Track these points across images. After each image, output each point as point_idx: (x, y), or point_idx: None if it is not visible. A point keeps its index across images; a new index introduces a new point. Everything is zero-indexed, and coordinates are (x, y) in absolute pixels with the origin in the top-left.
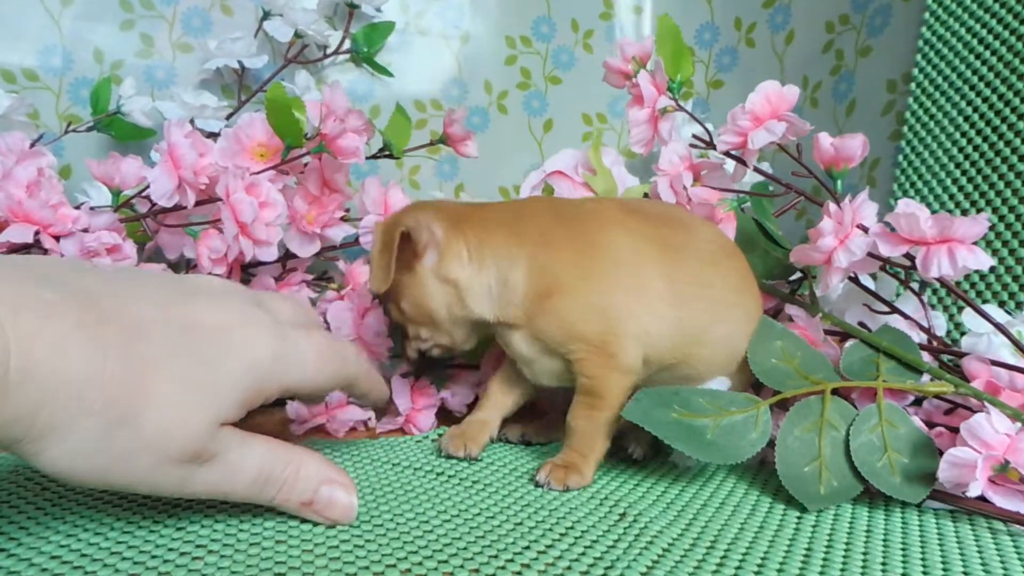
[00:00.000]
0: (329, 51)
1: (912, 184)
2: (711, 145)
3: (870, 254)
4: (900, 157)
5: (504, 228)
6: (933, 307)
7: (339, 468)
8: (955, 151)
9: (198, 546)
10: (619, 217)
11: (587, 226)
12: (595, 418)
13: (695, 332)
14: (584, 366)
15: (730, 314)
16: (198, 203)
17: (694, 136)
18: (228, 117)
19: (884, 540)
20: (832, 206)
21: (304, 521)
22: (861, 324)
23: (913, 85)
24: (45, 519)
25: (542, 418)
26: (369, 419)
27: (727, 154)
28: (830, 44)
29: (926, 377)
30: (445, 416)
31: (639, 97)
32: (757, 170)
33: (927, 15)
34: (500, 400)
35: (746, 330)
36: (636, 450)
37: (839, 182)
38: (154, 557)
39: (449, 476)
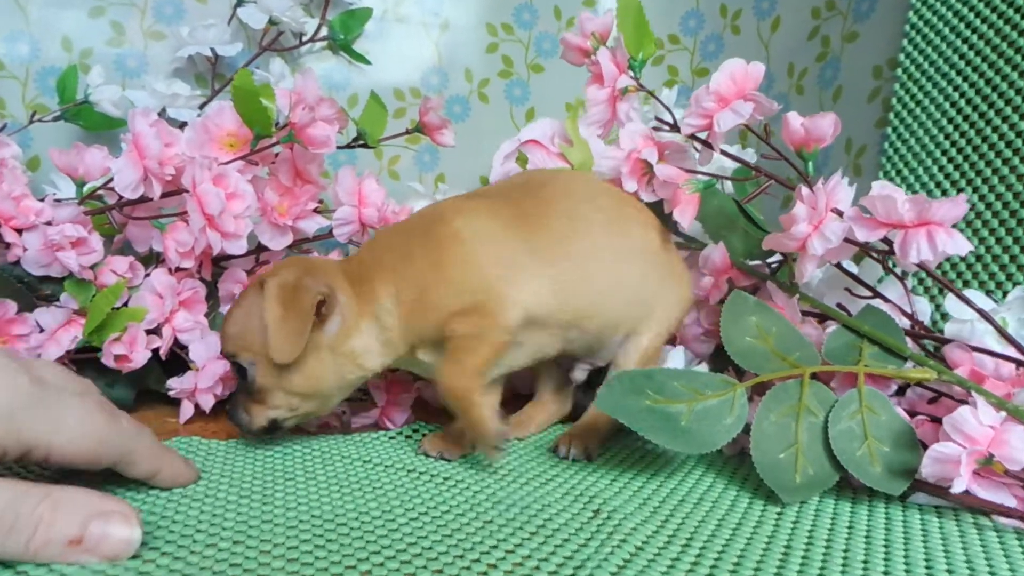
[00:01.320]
0: (305, 39)
1: (898, 171)
2: (675, 128)
3: (847, 239)
4: (886, 144)
5: (376, 275)
6: (917, 293)
7: (118, 500)
8: (941, 137)
9: (151, 548)
10: (460, 206)
11: (431, 229)
12: (465, 370)
13: (575, 286)
14: (460, 328)
15: (615, 261)
16: (166, 195)
17: (657, 119)
18: (201, 106)
19: (866, 536)
20: (804, 190)
21: (265, 521)
22: (840, 306)
23: (899, 71)
24: None
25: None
26: (344, 412)
27: (692, 137)
28: (816, 30)
29: (910, 364)
30: (421, 408)
31: (599, 76)
32: (724, 152)
33: (914, 0)
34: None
35: (644, 271)
36: (569, 451)
37: (810, 164)
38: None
39: (420, 473)
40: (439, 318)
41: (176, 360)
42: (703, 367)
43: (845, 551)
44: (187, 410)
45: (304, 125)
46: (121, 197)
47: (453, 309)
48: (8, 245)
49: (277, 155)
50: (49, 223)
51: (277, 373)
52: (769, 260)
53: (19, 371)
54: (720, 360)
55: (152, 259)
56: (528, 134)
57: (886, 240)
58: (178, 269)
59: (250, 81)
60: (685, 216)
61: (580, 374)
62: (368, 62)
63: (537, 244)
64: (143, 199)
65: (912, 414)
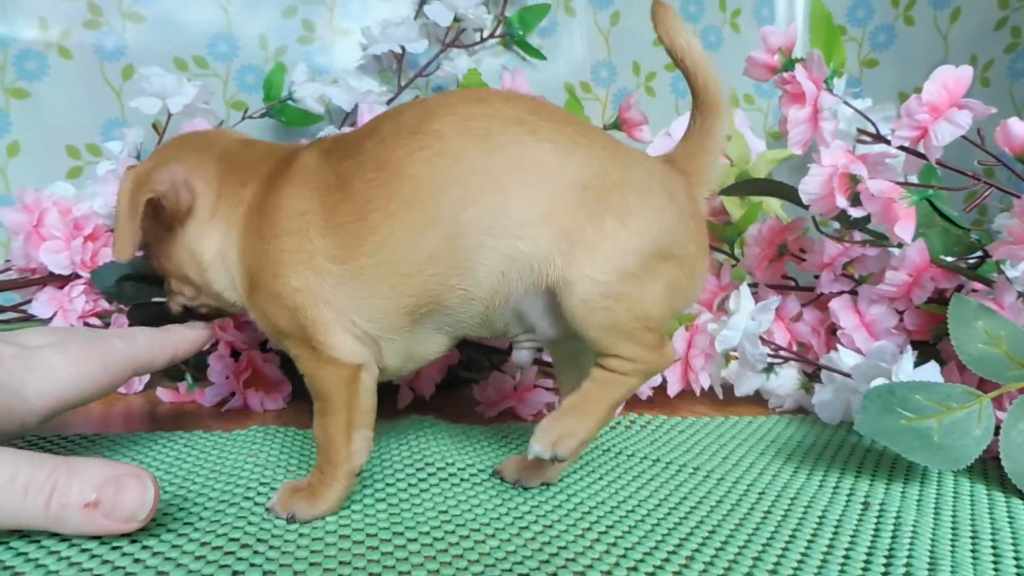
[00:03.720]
0: (485, 34)
1: None
2: (880, 139)
3: None
4: None
5: (248, 179)
6: None
7: (132, 464)
8: None
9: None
10: (306, 163)
11: (275, 181)
12: (326, 425)
13: (398, 268)
14: (299, 363)
15: (440, 219)
16: None
17: (859, 131)
18: (388, 102)
19: None
20: None
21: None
22: None
23: None
24: None
25: None
26: (556, 402)
27: (903, 148)
28: (1004, 21)
29: None
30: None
31: (797, 95)
32: (940, 163)
33: None
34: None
35: (495, 223)
36: (508, 474)
37: None
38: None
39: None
40: (265, 322)
41: None
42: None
43: None
44: (405, 396)
45: None
46: None
47: (276, 326)
48: None
49: None
50: None
51: (159, 260)
52: (968, 257)
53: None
54: None
55: None
56: (679, 128)
57: None
58: None
59: (479, 80)
60: (906, 230)
61: (524, 356)
62: (543, 57)
63: (337, 225)
64: None
65: None
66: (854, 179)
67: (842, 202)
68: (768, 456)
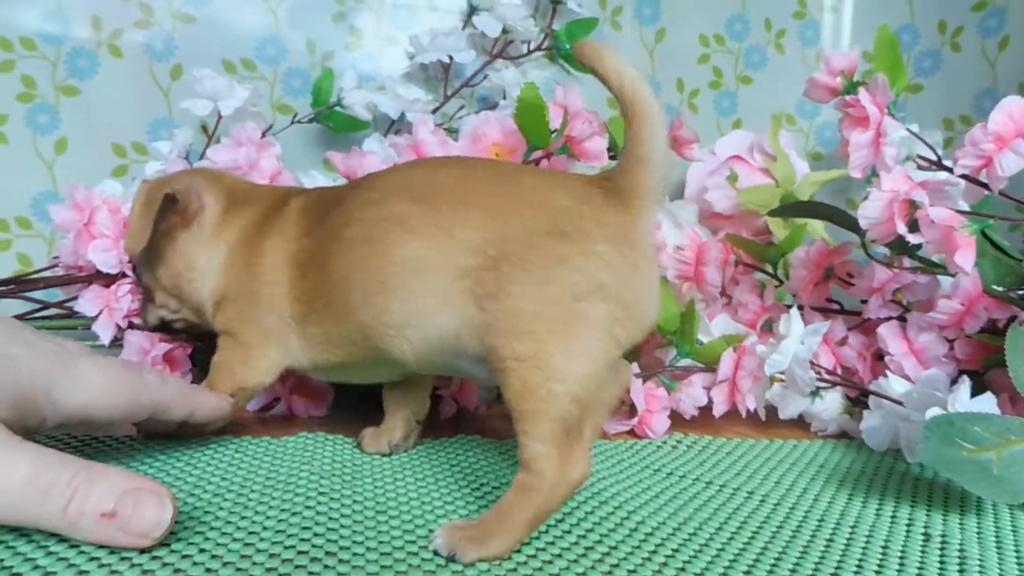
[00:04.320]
0: (531, 47)
1: None
2: (941, 167)
3: None
4: None
5: (251, 209)
6: None
7: (153, 480)
8: None
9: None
10: (289, 217)
11: (263, 227)
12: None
13: (331, 340)
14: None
15: (350, 315)
16: None
17: (920, 157)
18: (434, 111)
19: None
20: None
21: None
22: None
23: None
24: None
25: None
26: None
27: (965, 178)
28: None
29: None
30: (674, 419)
31: (861, 119)
32: (1004, 194)
33: None
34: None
35: (391, 319)
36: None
37: None
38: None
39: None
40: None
41: None
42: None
43: None
44: (448, 407)
45: (583, 139)
46: None
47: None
48: None
49: (536, 165)
50: None
51: (151, 269)
52: (1020, 288)
53: (45, 338)
54: None
55: None
56: (723, 147)
57: None
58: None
59: (537, 94)
60: (967, 260)
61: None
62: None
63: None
64: None
65: None
66: (914, 205)
67: (901, 228)
68: (820, 481)
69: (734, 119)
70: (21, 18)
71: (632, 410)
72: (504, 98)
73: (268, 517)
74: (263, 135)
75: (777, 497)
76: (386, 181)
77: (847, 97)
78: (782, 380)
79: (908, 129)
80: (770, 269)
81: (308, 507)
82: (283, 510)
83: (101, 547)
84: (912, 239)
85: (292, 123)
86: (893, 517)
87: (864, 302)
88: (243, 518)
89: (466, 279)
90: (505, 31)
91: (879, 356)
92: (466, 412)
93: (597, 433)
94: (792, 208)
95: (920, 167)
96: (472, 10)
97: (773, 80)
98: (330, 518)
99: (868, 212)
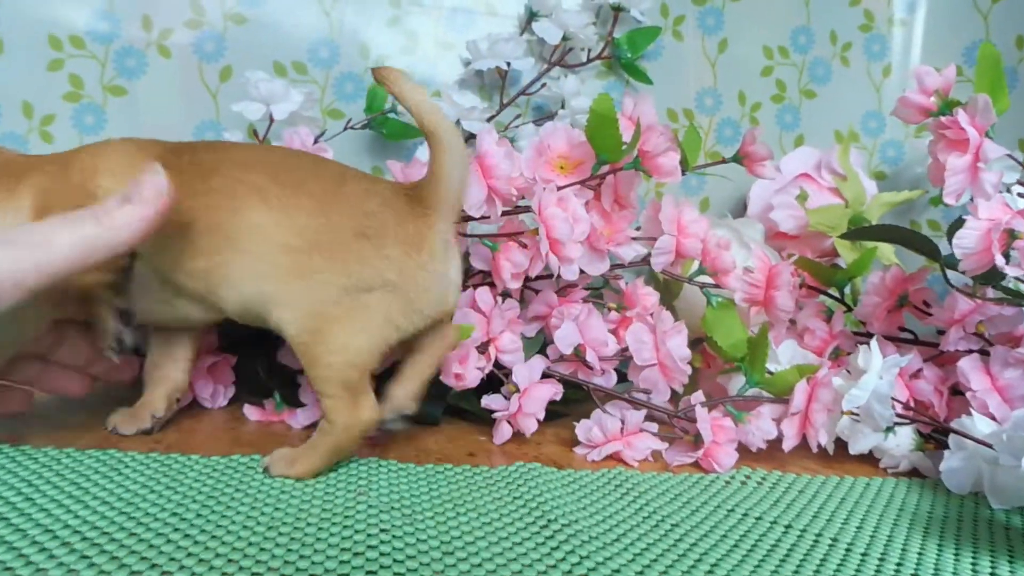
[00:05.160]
0: (592, 55)
1: None
2: None
3: None
4: None
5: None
6: None
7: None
8: None
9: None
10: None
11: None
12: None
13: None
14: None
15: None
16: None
17: (1020, 183)
18: (489, 119)
19: None
20: None
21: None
22: None
23: None
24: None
25: None
26: (664, 450)
27: None
28: None
29: None
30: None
31: (960, 141)
32: None
33: None
34: None
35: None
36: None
37: None
38: None
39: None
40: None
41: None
42: None
43: None
44: (505, 432)
45: (657, 153)
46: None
47: None
48: None
49: (603, 179)
50: None
51: None
52: None
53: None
54: None
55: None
56: (789, 165)
57: None
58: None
59: (611, 106)
60: None
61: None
62: (650, 81)
63: None
64: (482, 218)
65: None
66: (1012, 235)
67: (1000, 260)
68: (895, 523)
69: (796, 134)
70: (72, 16)
71: (697, 440)
72: (563, 107)
73: (328, 557)
74: (315, 140)
75: (863, 546)
76: (248, 153)
77: (943, 119)
78: (854, 414)
79: (1010, 155)
80: (836, 293)
81: (371, 546)
82: (343, 549)
83: (96, 545)
84: (1011, 271)
85: (345, 128)
86: (974, 566)
87: (941, 332)
88: (302, 557)
89: (288, 255)
90: (566, 38)
91: (955, 391)
92: (521, 436)
93: (431, 372)
94: (869, 231)
95: (1021, 195)
96: (531, 16)
97: (837, 95)
98: (395, 560)
99: (964, 242)
